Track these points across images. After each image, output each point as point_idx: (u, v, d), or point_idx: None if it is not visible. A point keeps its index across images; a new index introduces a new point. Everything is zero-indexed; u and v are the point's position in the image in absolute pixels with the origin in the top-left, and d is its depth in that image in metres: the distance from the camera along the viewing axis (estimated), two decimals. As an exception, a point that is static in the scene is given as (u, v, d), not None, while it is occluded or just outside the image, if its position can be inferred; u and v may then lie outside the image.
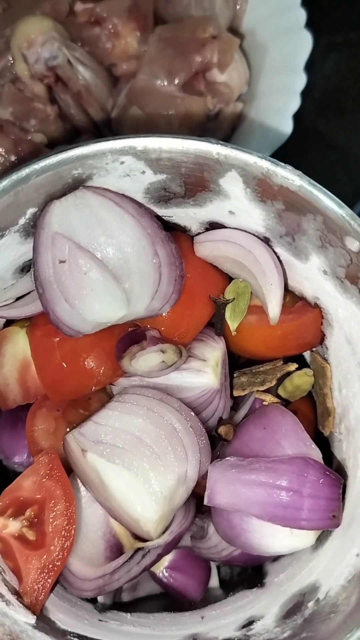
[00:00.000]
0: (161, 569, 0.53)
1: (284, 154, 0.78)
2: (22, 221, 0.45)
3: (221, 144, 0.42)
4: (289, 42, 0.71)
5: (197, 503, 0.51)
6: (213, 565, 0.56)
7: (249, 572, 0.55)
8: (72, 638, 0.43)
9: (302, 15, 0.73)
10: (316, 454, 0.46)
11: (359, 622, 0.35)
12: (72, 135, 0.72)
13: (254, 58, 0.73)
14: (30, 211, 0.45)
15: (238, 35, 0.73)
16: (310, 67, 0.83)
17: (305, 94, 0.80)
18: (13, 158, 0.65)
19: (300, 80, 0.70)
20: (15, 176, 0.42)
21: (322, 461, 0.46)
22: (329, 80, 0.90)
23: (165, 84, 0.67)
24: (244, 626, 0.45)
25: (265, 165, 0.42)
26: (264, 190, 0.43)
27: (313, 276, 0.47)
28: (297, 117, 0.77)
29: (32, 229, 0.46)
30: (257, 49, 0.73)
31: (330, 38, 0.92)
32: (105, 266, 0.45)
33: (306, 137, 0.89)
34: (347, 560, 0.42)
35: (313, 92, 0.90)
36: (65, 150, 0.42)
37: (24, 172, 0.42)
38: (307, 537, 0.46)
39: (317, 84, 0.90)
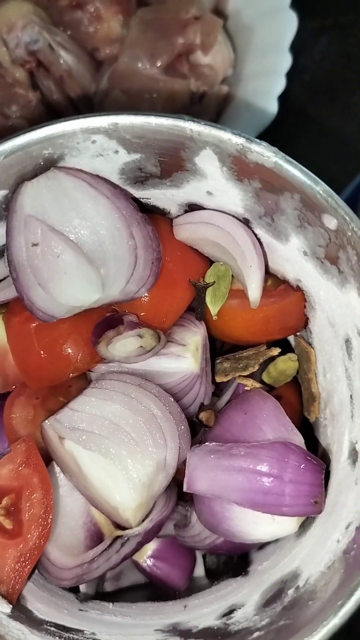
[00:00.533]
0: (144, 558, 0.52)
1: (274, 138, 0.76)
2: (-7, 204, 0.44)
3: (194, 121, 0.41)
4: (274, 22, 0.70)
5: (179, 490, 0.50)
6: (199, 555, 0.55)
7: (235, 561, 0.54)
8: (49, 627, 0.43)
9: (287, -5, 0.72)
10: (298, 439, 0.45)
11: (335, 609, 0.35)
12: (55, 121, 0.70)
13: (239, 40, 0.71)
14: (2, 193, 0.44)
15: (223, 17, 0.71)
16: (301, 50, 0.81)
17: (295, 78, 0.78)
18: (-7, 144, 0.64)
19: (286, 61, 0.68)
20: (-17, 157, 0.41)
21: (304, 446, 0.45)
22: (319, 64, 0.89)
23: (148, 66, 0.66)
24: (224, 615, 0.44)
25: (239, 141, 0.41)
26: (240, 168, 0.42)
27: (294, 258, 0.46)
28: (288, 101, 0.76)
29: (5, 212, 0.45)
30: (242, 30, 0.71)
31: (321, 21, 0.91)
32: (79, 249, 0.44)
33: (297, 122, 0.87)
34: (328, 546, 0.41)
35: (303, 76, 0.88)
36: (33, 129, 0.41)
37: (-7, 152, 0.41)
38: (289, 524, 0.45)
39: (307, 68, 0.89)
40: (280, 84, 0.68)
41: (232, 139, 0.41)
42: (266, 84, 0.68)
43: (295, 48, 0.75)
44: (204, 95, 0.68)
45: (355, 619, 0.35)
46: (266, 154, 0.41)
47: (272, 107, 0.67)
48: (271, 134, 0.72)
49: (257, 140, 0.41)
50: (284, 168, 0.41)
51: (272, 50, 0.69)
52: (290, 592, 0.41)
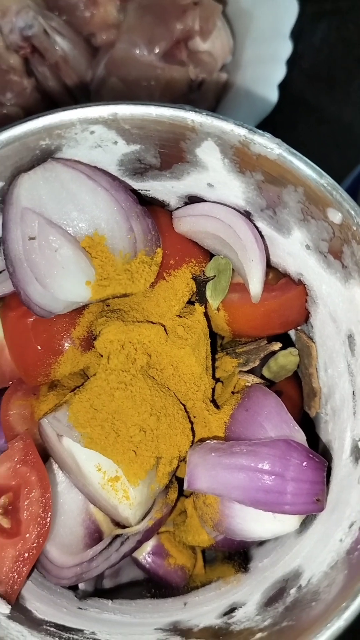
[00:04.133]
0: (144, 555, 0.52)
1: (274, 127, 0.75)
2: (-12, 196, 0.43)
3: (196, 111, 0.40)
4: (274, 8, 0.68)
5: (179, 487, 0.49)
6: (198, 550, 0.55)
7: (234, 556, 0.54)
8: (49, 627, 0.42)
9: (287, -20, 0.70)
10: (300, 436, 0.45)
11: (339, 612, 0.34)
12: (50, 109, 0.69)
13: (238, 26, 0.70)
14: (-3, 185, 0.43)
15: (222, 2, 0.70)
16: (299, 36, 0.80)
17: (294, 64, 0.77)
18: (-13, 132, 0.63)
19: (286, 48, 0.67)
20: (-22, 148, 0.40)
21: (305, 443, 0.45)
22: (318, 50, 0.88)
23: (145, 53, 0.64)
24: (225, 613, 0.43)
25: (242, 132, 0.40)
26: (242, 160, 0.41)
27: (296, 251, 0.45)
28: (286, 89, 0.74)
29: (1, 205, 0.44)
30: (241, 16, 0.70)
31: (319, 5, 0.89)
32: (77, 242, 0.43)
33: (295, 110, 0.86)
34: (330, 545, 0.40)
35: (302, 63, 0.87)
36: (30, 119, 0.40)
37: (-12, 143, 0.40)
38: (290, 522, 0.45)
39: (306, 54, 0.87)
40: (280, 72, 0.66)
41: (234, 130, 0.40)
42: (266, 71, 0.67)
43: (294, 34, 0.73)
44: (203, 82, 0.67)
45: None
46: (270, 146, 0.40)
47: (272, 95, 0.66)
48: (269, 122, 0.71)
49: (260, 131, 0.40)
50: (288, 160, 0.40)
51: (272, 37, 0.68)
52: (292, 591, 0.41)
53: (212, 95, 0.68)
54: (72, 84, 0.69)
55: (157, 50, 0.64)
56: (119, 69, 0.64)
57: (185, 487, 0.44)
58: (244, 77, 0.68)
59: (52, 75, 0.68)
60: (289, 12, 0.68)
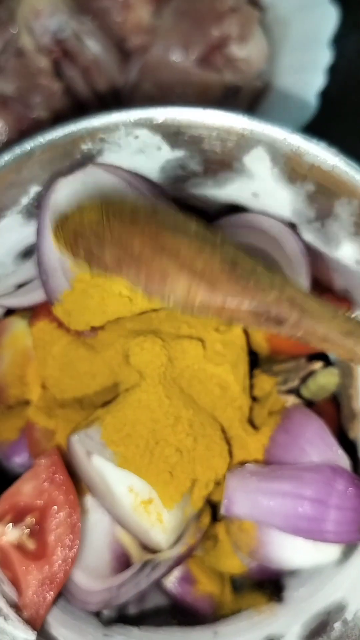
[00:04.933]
0: (170, 581, 0.49)
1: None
2: (25, 201, 0.41)
3: (248, 117, 0.38)
4: (313, 16, 0.67)
5: (212, 512, 0.47)
6: (226, 576, 0.52)
7: (265, 584, 0.51)
8: (75, 657, 0.40)
9: (326, -12, 0.69)
10: (344, 461, 0.42)
11: None
12: (79, 114, 0.67)
13: (275, 33, 0.68)
14: (34, 190, 0.41)
15: (259, 9, 0.68)
16: (332, 46, 0.78)
17: (327, 73, 0.75)
18: (16, 136, 0.61)
19: (325, 56, 0.65)
20: (18, 150, 0.38)
21: (349, 468, 0.43)
22: (351, 60, 0.86)
23: (181, 58, 0.62)
24: (263, 647, 0.41)
25: (296, 142, 0.38)
26: (293, 169, 0.39)
27: (344, 266, 0.43)
28: (320, 97, 0.73)
29: (36, 210, 0.42)
30: (279, 23, 0.68)
31: (352, 17, 0.87)
32: (115, 252, 0.41)
33: (328, 124, 0.84)
34: (378, 579, 0.38)
35: (336, 76, 0.85)
36: (73, 122, 0.38)
37: (28, 146, 0.38)
38: (331, 551, 0.42)
39: (339, 64, 0.86)
40: (318, 80, 0.65)
41: (287, 139, 0.38)
42: (304, 79, 0.65)
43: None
44: (239, 90, 0.65)
45: None
46: (324, 156, 0.38)
47: (310, 105, 0.64)
48: (303, 131, 0.69)
49: (315, 140, 0.38)
50: (344, 171, 0.38)
51: (311, 45, 0.66)
52: (337, 625, 0.38)
53: (247, 103, 0.67)
54: (103, 89, 0.67)
55: (192, 56, 0.62)
56: (153, 74, 0.63)
57: (222, 511, 0.42)
58: (281, 85, 0.66)
59: (83, 80, 0.67)
60: (328, 20, 0.67)
